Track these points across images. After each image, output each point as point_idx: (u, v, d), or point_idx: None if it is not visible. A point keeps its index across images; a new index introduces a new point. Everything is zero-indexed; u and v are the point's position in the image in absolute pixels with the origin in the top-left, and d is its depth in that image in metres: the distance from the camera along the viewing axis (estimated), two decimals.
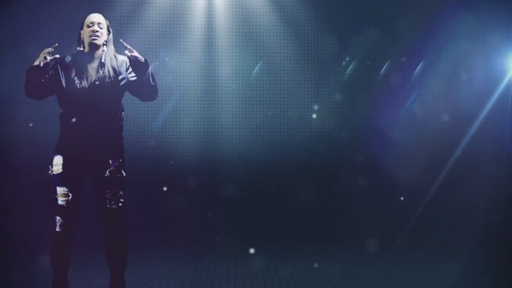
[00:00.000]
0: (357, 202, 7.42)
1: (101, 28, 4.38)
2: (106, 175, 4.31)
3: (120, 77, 4.42)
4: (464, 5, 7.43)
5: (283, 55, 7.48)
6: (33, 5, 7.30)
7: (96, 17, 4.42)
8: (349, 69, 7.60)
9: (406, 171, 7.37)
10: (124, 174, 4.39)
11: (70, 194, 4.29)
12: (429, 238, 6.45)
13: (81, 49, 4.43)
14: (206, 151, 7.29)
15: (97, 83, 4.33)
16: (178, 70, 7.33)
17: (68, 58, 4.40)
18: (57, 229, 4.28)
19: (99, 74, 4.33)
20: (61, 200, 4.29)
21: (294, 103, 7.47)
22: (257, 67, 7.55)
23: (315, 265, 5.56)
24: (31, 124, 7.10)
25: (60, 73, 4.34)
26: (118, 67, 4.42)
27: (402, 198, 6.69)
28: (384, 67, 7.58)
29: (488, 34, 7.42)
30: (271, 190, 7.30)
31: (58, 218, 4.29)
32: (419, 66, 7.56)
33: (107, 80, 4.34)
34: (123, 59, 4.46)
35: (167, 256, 6.09)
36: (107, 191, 4.32)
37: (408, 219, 7.11)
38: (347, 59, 7.59)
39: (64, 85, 4.32)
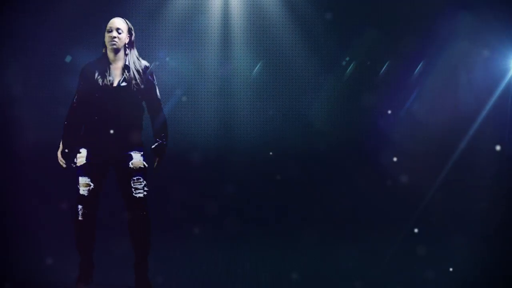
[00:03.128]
0: (356, 201, 7.45)
1: (120, 33, 4.62)
2: (130, 166, 4.58)
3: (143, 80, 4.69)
4: (464, 5, 7.43)
5: (293, 53, 7.55)
6: (34, 4, 7.32)
7: (115, 23, 4.66)
8: (349, 69, 7.61)
9: (406, 171, 7.38)
10: (146, 165, 4.66)
11: (91, 184, 4.57)
12: (429, 237, 6.45)
13: (105, 51, 4.70)
14: (219, 142, 7.49)
15: (123, 84, 4.62)
16: (193, 66, 7.48)
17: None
18: (80, 218, 4.58)
19: (125, 76, 4.62)
20: (82, 190, 4.57)
21: (299, 100, 7.55)
22: (257, 66, 7.59)
23: (319, 252, 5.67)
24: None
25: (85, 79, 4.64)
26: (141, 70, 4.69)
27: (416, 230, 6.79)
28: (384, 67, 7.59)
29: (488, 34, 7.42)
30: (277, 182, 7.44)
31: (80, 207, 4.58)
32: (419, 66, 7.57)
33: (133, 82, 4.62)
34: (145, 64, 4.73)
35: (185, 240, 6.55)
36: (132, 181, 4.58)
37: (408, 218, 7.11)
38: (347, 59, 7.60)
39: (89, 87, 4.61)
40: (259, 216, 7.34)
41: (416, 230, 6.80)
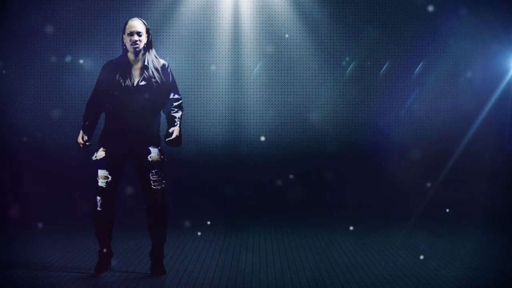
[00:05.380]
0: (356, 201, 7.45)
1: (141, 36, 4.80)
2: (148, 160, 4.82)
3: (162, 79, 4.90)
4: (464, 5, 7.44)
5: (299, 50, 7.66)
6: (35, 2, 7.34)
7: (136, 27, 4.81)
8: (349, 69, 7.62)
9: (406, 171, 7.39)
10: (165, 159, 4.91)
11: (109, 177, 4.80)
12: (429, 238, 6.46)
13: (124, 51, 4.88)
14: (230, 135, 7.67)
15: (142, 83, 4.82)
16: (207, 63, 7.62)
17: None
18: (98, 208, 4.83)
19: (144, 75, 4.83)
20: (101, 182, 4.82)
21: (304, 98, 7.67)
22: (257, 67, 7.63)
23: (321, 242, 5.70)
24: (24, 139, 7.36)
25: (106, 78, 4.85)
26: (159, 68, 4.89)
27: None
28: (384, 67, 7.60)
29: (488, 34, 7.43)
30: (284, 177, 7.60)
31: (98, 198, 4.83)
32: (419, 66, 7.57)
33: (152, 80, 4.83)
34: (163, 63, 4.93)
35: (198, 229, 6.78)
36: (151, 174, 4.83)
37: (408, 218, 7.12)
38: (347, 59, 7.61)
39: (109, 86, 4.82)
40: (266, 208, 7.49)
41: (416, 228, 6.80)
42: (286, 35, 7.58)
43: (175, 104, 4.95)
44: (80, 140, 4.88)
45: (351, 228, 6.80)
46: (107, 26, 7.40)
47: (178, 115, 4.93)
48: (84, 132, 4.89)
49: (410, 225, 6.93)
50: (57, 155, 7.27)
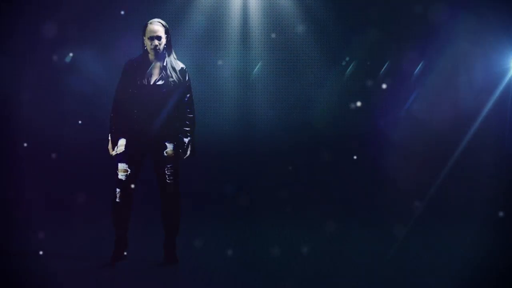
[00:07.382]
0: (356, 201, 7.47)
1: (160, 40, 5.02)
2: (164, 155, 5.05)
3: (180, 80, 5.12)
4: (464, 5, 7.45)
5: (303, 50, 7.79)
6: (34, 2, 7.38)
7: (155, 31, 5.01)
8: (349, 69, 7.64)
9: (406, 171, 7.39)
10: (179, 154, 5.11)
11: (128, 170, 5.02)
12: (428, 237, 6.47)
13: (144, 50, 5.09)
14: (238, 131, 7.84)
15: (159, 82, 5.03)
16: (214, 61, 7.78)
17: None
18: (117, 199, 5.04)
19: (162, 74, 5.04)
20: (120, 175, 5.03)
21: (307, 95, 7.79)
22: (257, 67, 7.66)
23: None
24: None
25: (127, 76, 5.07)
26: (177, 69, 5.11)
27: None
28: (384, 67, 7.61)
29: (488, 34, 7.43)
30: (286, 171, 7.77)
31: (118, 190, 5.03)
32: (419, 66, 7.58)
33: (170, 79, 5.04)
34: (181, 66, 5.16)
35: (208, 222, 6.99)
36: (166, 168, 5.06)
37: (407, 219, 7.13)
38: (347, 59, 7.63)
39: (129, 83, 5.04)
40: (269, 203, 7.58)
41: (417, 227, 6.81)
42: (273, 35, 7.72)
43: (188, 116, 5.15)
44: (112, 152, 5.06)
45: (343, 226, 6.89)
46: (113, 25, 7.46)
47: (189, 129, 5.15)
48: (113, 139, 5.06)
49: (409, 224, 6.93)
50: (59, 153, 7.33)
